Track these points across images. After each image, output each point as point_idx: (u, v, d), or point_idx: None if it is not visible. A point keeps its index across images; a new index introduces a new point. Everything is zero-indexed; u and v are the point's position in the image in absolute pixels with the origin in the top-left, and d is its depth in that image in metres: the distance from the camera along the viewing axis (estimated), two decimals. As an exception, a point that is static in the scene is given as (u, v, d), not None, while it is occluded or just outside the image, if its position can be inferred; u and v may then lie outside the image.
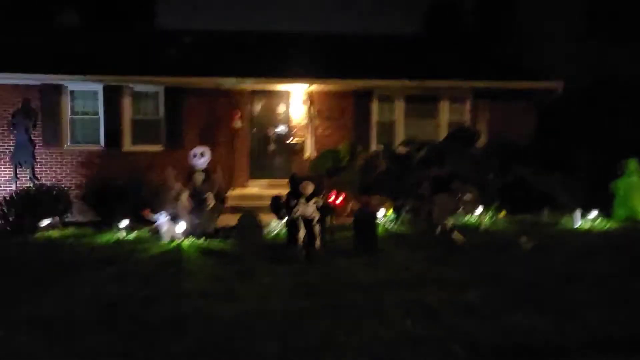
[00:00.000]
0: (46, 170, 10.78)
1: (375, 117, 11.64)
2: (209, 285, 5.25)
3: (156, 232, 7.53)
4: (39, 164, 10.74)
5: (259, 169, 11.54)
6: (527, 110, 11.61)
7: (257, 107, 11.73)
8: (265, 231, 7.62)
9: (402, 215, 8.90)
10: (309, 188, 6.53)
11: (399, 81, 11.27)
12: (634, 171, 9.16)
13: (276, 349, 3.70)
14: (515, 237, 7.26)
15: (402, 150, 10.72)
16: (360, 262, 6.19)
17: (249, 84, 11.13)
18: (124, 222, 7.81)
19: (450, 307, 4.54)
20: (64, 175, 10.78)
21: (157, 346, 3.76)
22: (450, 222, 7.38)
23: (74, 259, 6.41)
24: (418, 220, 8.65)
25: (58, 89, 10.80)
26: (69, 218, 9.16)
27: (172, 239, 7.31)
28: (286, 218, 6.85)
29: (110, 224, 8.13)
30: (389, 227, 8.21)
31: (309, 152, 11.14)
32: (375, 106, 11.64)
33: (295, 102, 11.51)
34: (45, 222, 7.87)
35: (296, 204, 6.58)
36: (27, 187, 9.62)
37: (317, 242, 6.53)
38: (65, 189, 9.69)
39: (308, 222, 6.53)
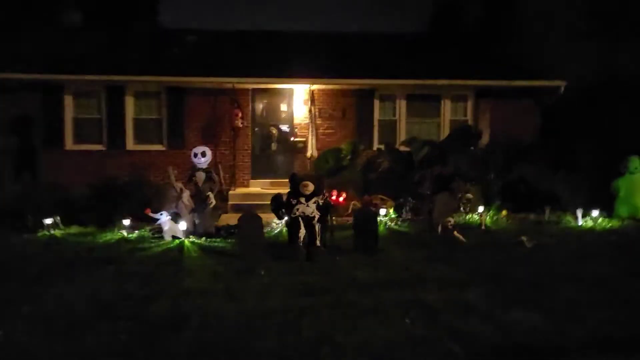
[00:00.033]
0: (49, 170, 10.80)
1: (377, 116, 11.64)
2: (209, 284, 5.26)
3: (158, 231, 7.56)
4: (41, 164, 10.77)
5: (261, 168, 11.55)
6: (529, 110, 11.58)
7: (259, 106, 11.73)
8: (266, 230, 7.63)
9: (403, 214, 8.90)
10: (309, 187, 6.52)
11: (400, 80, 11.27)
12: (637, 169, 9.13)
13: (276, 347, 3.71)
14: (517, 236, 7.25)
15: (404, 149, 10.72)
16: (360, 261, 6.20)
17: (250, 84, 11.14)
18: (126, 222, 7.84)
19: (450, 307, 4.53)
20: (66, 174, 10.82)
21: (157, 345, 3.77)
22: (451, 221, 7.38)
23: (75, 258, 6.43)
24: (419, 219, 8.66)
25: (60, 89, 10.83)
26: (71, 217, 9.18)
27: (174, 238, 7.35)
28: (286, 217, 6.86)
29: (112, 223, 8.16)
30: (390, 226, 8.21)
31: (311, 151, 11.13)
32: (377, 105, 11.63)
33: (297, 101, 11.51)
34: (48, 221, 7.91)
35: (296, 203, 6.58)
36: (29, 186, 9.64)
37: (318, 242, 6.53)
38: (68, 188, 9.70)
39: (308, 222, 6.52)
